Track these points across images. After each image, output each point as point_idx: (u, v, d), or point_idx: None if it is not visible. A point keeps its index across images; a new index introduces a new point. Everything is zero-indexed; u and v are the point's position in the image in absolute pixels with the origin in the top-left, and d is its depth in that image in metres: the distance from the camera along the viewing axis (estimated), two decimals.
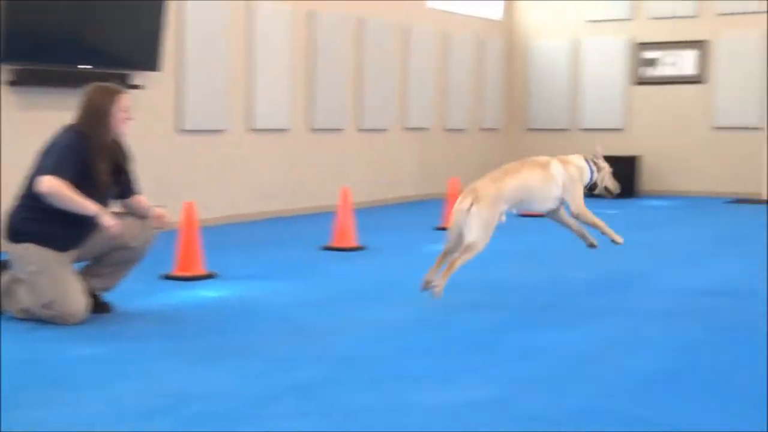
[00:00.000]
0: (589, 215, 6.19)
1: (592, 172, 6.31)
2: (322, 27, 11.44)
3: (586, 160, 6.32)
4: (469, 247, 5.77)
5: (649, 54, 14.52)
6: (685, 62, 14.32)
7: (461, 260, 5.78)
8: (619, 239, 6.27)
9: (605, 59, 14.77)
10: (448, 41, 13.86)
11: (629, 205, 12.89)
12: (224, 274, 6.87)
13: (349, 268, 7.36)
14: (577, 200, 6.17)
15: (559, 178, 6.13)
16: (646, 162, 14.59)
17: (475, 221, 5.76)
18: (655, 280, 6.66)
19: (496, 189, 5.86)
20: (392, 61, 12.74)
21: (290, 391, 3.99)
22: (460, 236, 5.83)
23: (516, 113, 15.51)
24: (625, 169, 14.23)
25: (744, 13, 13.83)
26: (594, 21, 14.85)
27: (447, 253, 5.90)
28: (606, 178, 6.41)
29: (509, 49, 15.41)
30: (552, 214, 6.29)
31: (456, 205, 5.89)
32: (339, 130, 11.90)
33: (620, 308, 5.86)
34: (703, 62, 14.18)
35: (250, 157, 10.63)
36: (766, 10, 13.65)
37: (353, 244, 8.30)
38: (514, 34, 15.43)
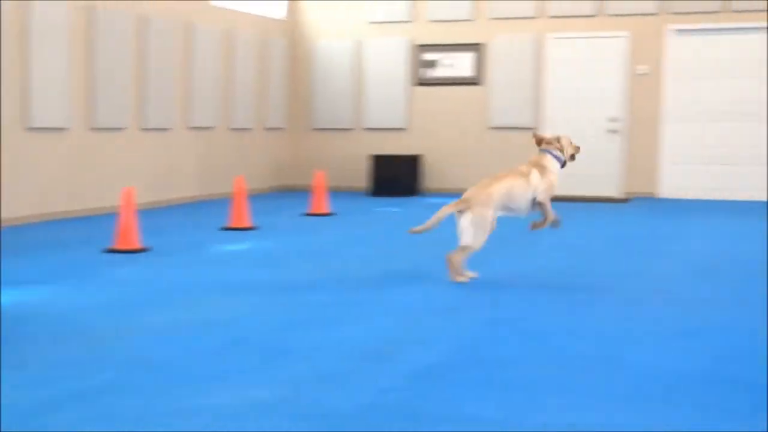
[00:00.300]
0: (548, 206, 6.82)
1: (561, 163, 6.99)
2: (102, 24, 11.17)
3: (553, 155, 6.94)
4: (464, 248, 6.58)
5: (429, 56, 14.95)
6: (462, 64, 14.83)
7: (458, 258, 6.56)
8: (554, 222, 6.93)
9: (387, 60, 15.11)
10: (232, 40, 13.82)
11: (412, 203, 13.24)
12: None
13: (133, 271, 7.24)
14: (546, 195, 6.84)
15: (538, 185, 6.81)
16: (427, 161, 15.02)
17: (467, 227, 6.55)
18: (436, 276, 6.88)
19: (486, 194, 6.60)
20: (175, 60, 12.59)
21: (73, 398, 3.91)
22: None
23: (300, 113, 15.62)
24: (407, 168, 14.64)
25: (516, 18, 14.47)
26: (376, 22, 15.15)
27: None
28: (569, 151, 7.04)
29: (293, 48, 15.52)
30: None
31: (444, 207, 6.59)
32: (121, 129, 11.66)
33: (403, 304, 6.04)
34: (480, 64, 14.72)
35: (26, 157, 10.25)
36: (535, 14, 14.35)
37: (137, 245, 8.17)
38: (297, 33, 15.55)
